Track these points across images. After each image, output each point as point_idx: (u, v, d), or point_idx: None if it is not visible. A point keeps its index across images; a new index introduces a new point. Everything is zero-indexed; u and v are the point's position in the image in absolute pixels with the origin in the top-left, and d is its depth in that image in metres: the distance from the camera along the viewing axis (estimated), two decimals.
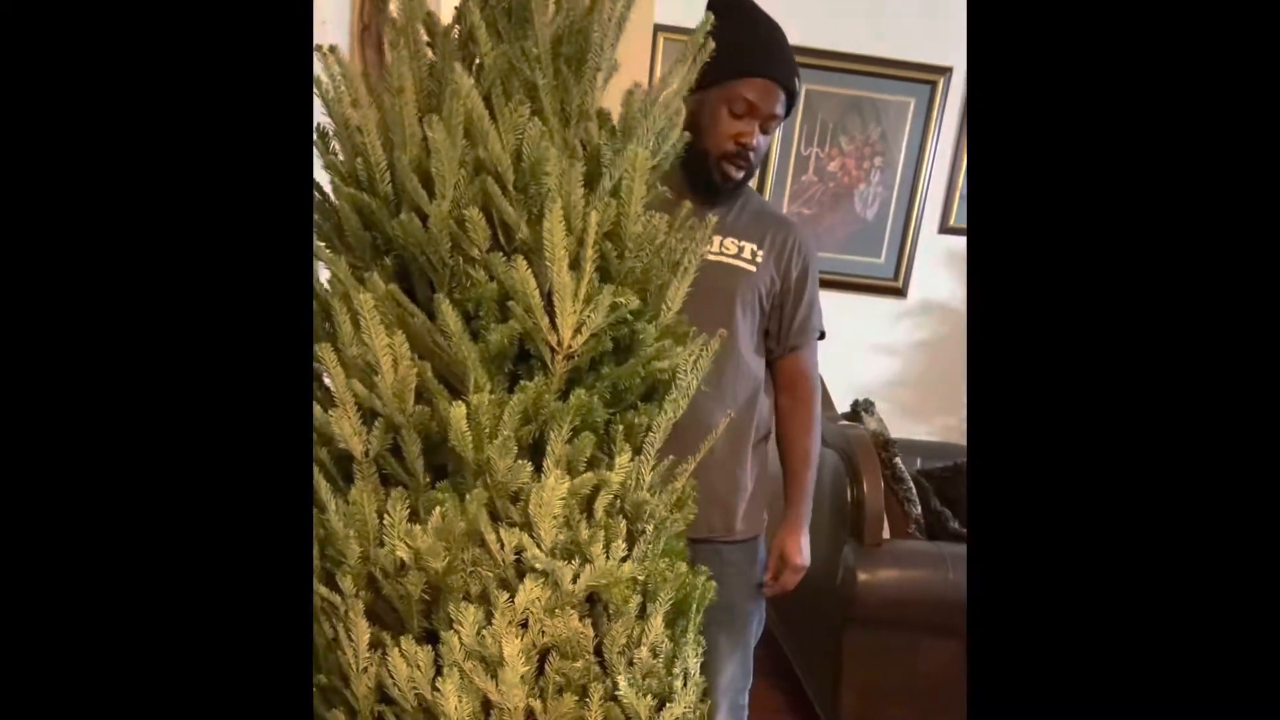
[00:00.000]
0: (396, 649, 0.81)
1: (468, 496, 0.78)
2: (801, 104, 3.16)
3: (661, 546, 0.92)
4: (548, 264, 0.79)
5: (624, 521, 0.86)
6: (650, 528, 0.88)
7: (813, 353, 1.47)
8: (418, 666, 0.81)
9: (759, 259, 1.37)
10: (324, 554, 0.82)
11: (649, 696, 0.86)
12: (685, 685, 0.91)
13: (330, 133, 0.87)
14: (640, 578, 0.87)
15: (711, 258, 1.34)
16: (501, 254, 0.82)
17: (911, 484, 2.23)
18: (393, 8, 0.90)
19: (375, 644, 0.83)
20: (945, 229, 3.31)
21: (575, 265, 0.82)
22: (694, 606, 0.93)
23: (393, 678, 0.82)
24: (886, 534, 2.06)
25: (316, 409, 0.83)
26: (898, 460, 2.22)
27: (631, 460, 0.86)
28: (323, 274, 0.91)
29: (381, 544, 0.79)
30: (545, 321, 0.81)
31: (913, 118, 3.18)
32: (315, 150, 0.86)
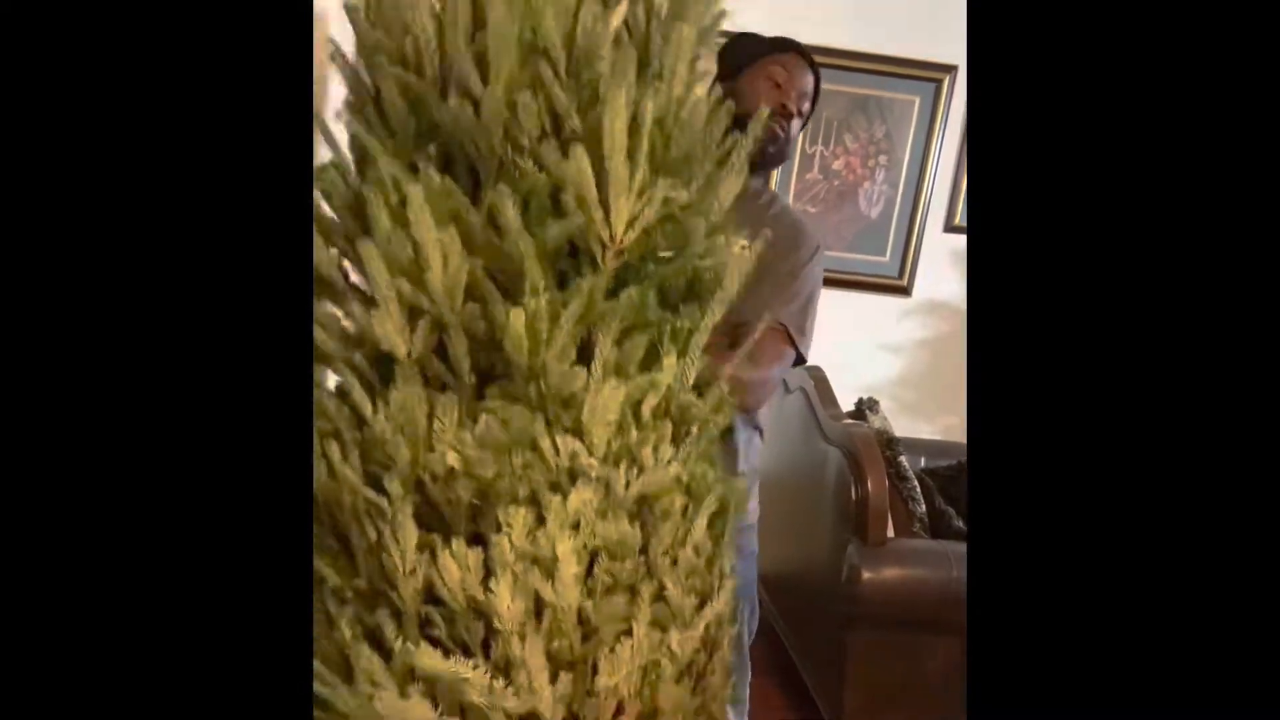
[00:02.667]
0: (447, 551, 0.80)
1: (519, 406, 0.76)
2: None
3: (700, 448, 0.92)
4: (604, 155, 0.76)
5: (669, 424, 0.85)
6: (695, 429, 0.87)
7: (766, 343, 1.32)
8: (468, 568, 0.80)
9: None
10: (370, 458, 0.80)
11: (692, 595, 0.87)
12: (722, 584, 0.92)
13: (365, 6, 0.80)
14: (684, 480, 0.87)
15: None
16: (554, 143, 0.78)
17: (915, 482, 2.23)
18: None
19: (422, 546, 0.82)
20: (950, 228, 3.27)
21: (629, 156, 0.78)
22: (731, 507, 0.94)
23: (442, 579, 0.81)
24: (891, 533, 2.06)
25: (357, 308, 0.79)
26: (902, 459, 2.23)
27: (678, 362, 0.85)
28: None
29: (432, 449, 0.77)
30: (600, 215, 0.78)
31: (918, 116, 3.12)
32: (354, 27, 0.79)
